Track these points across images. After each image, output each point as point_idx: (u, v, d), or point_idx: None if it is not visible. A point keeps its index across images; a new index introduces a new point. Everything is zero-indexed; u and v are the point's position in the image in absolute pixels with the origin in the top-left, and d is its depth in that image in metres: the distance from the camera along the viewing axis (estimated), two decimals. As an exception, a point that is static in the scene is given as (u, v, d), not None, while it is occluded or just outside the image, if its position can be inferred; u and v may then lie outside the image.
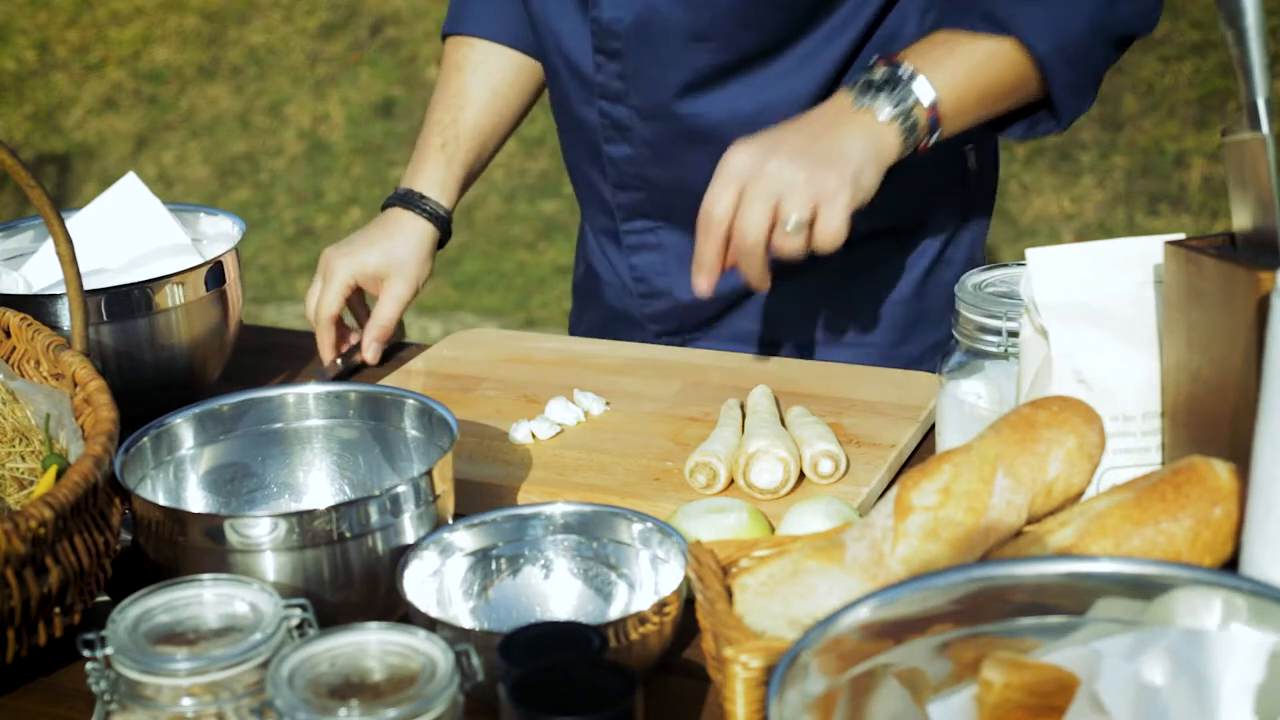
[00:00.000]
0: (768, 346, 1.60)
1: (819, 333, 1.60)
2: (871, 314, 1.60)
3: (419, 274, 1.60)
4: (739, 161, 1.26)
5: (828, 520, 1.11)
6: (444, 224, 1.63)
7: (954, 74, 1.29)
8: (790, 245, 1.25)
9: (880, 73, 1.29)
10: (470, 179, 1.67)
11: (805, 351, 1.60)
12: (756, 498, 1.22)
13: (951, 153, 1.54)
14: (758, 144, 1.27)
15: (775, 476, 1.22)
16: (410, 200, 1.62)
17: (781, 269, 1.52)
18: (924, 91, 1.28)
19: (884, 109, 1.28)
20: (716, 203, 1.26)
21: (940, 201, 1.58)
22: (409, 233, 1.60)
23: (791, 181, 1.24)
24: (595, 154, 1.56)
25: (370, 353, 1.58)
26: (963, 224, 1.60)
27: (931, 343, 1.61)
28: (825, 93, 1.43)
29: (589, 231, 1.69)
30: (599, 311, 1.72)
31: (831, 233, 1.25)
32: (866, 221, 1.51)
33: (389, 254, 1.58)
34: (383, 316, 1.58)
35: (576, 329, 1.78)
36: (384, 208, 1.63)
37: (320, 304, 1.56)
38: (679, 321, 1.63)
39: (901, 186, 1.40)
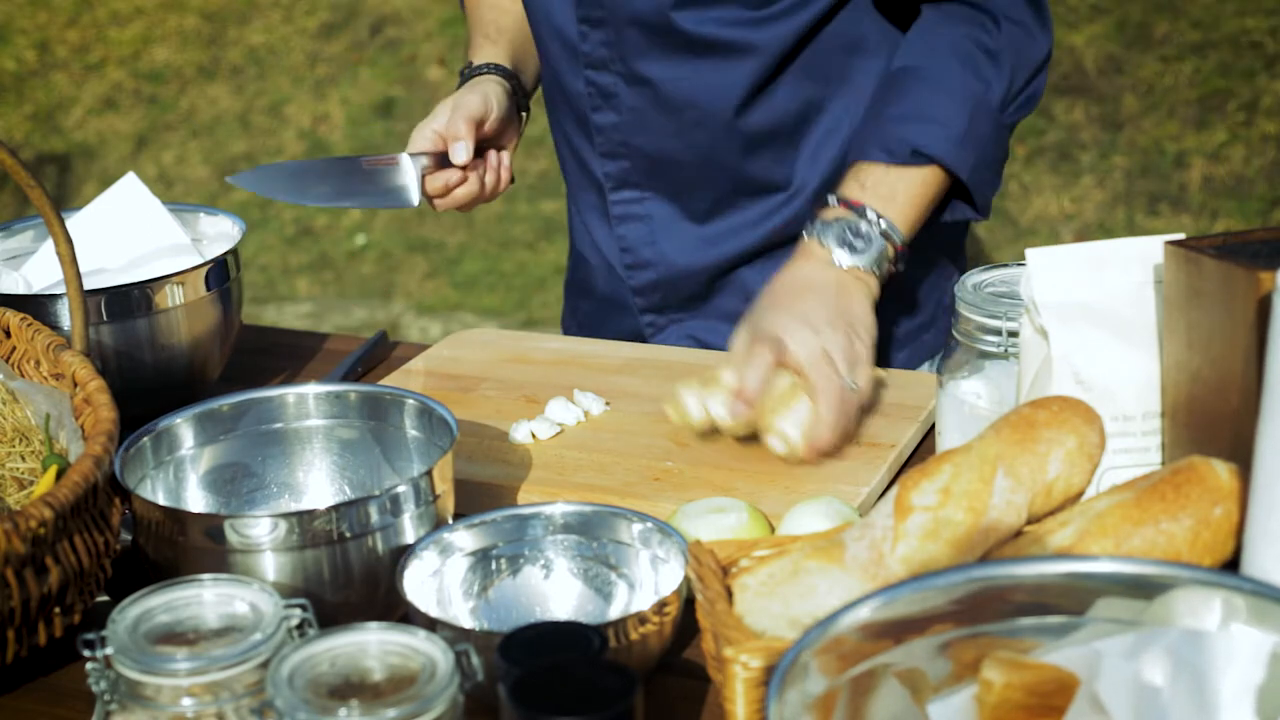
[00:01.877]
0: None
1: None
2: None
3: (491, 90, 1.57)
4: (779, 324, 1.30)
5: (828, 520, 1.11)
6: (508, 73, 1.63)
7: (904, 208, 1.39)
8: (848, 399, 1.29)
9: (845, 222, 1.36)
10: (526, 72, 1.67)
11: None
12: (777, 447, 1.26)
13: None
14: (786, 310, 1.32)
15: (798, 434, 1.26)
16: (473, 72, 1.63)
17: (760, 248, 1.59)
18: (891, 234, 1.37)
19: (863, 262, 1.36)
20: (758, 352, 1.29)
21: None
22: (478, 81, 1.60)
23: (836, 345, 1.30)
24: (584, 124, 1.60)
25: (454, 143, 1.53)
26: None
27: (914, 326, 1.64)
28: (789, 61, 1.50)
29: (577, 214, 1.72)
30: (589, 302, 1.74)
31: (868, 393, 1.33)
32: None
33: (463, 92, 1.57)
34: (464, 111, 1.53)
35: (569, 326, 1.80)
36: (465, 76, 1.65)
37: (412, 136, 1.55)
38: (664, 295, 1.65)
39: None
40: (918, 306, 1.64)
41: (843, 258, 1.36)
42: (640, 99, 1.54)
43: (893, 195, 1.38)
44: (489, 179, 1.58)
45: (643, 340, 1.68)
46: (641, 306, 1.66)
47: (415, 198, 1.53)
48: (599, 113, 1.57)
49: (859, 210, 1.37)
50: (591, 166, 1.62)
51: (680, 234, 1.60)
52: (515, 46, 1.67)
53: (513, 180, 1.63)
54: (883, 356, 1.63)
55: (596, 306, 1.73)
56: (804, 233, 1.39)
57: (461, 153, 1.51)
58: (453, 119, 1.52)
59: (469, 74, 1.63)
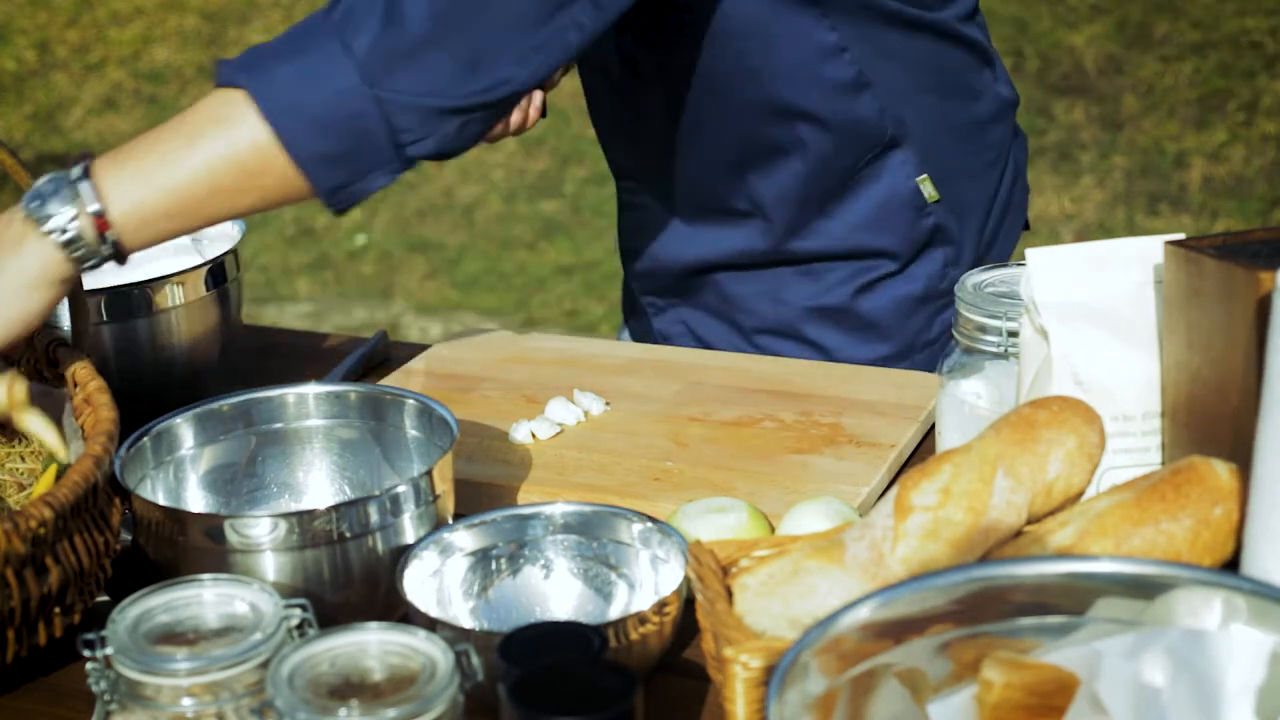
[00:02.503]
0: (732, 327, 1.65)
1: (767, 324, 1.64)
2: (807, 314, 1.62)
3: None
4: None
5: (828, 520, 1.11)
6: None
7: (150, 177, 1.12)
8: None
9: (53, 178, 1.13)
10: None
11: (759, 340, 1.63)
12: None
13: (898, 187, 1.53)
14: None
15: None
16: None
17: (731, 264, 1.59)
18: (89, 197, 1.11)
19: (48, 221, 1.11)
20: None
21: (894, 226, 1.57)
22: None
23: None
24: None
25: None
26: (929, 245, 1.59)
27: (880, 355, 1.61)
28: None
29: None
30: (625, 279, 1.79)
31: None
32: (811, 242, 1.56)
33: None
34: None
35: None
36: None
37: None
38: (653, 281, 1.68)
39: (846, 214, 1.48)
40: (885, 336, 1.60)
41: (29, 206, 1.12)
42: (614, 106, 1.59)
43: (132, 151, 1.13)
44: (515, 116, 1.38)
45: (648, 319, 1.70)
46: (639, 289, 1.70)
47: None
48: (594, 108, 1.62)
49: (74, 165, 1.14)
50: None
51: (667, 227, 1.62)
52: None
53: (544, 114, 1.45)
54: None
55: (621, 292, 1.78)
56: None
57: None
58: None
59: None
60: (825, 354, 1.61)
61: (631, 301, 1.75)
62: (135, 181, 1.12)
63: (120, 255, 1.13)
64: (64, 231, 1.10)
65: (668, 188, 1.59)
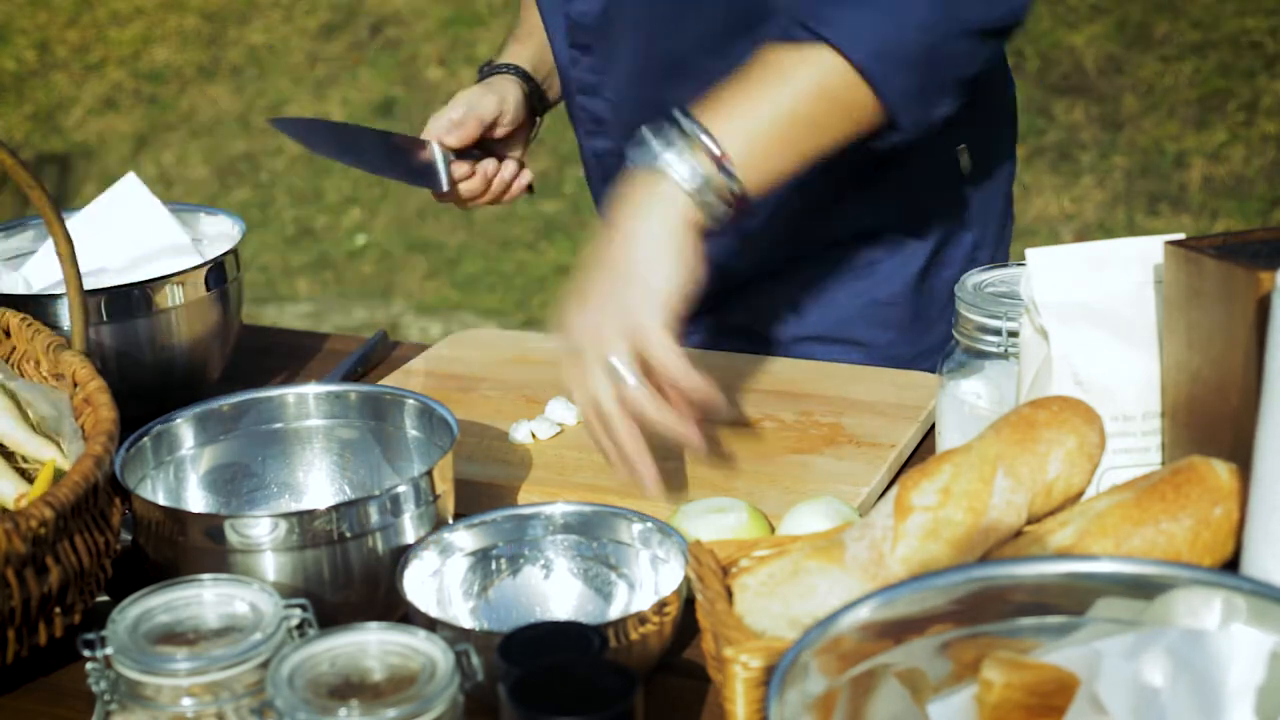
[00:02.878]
0: (759, 342, 1.60)
1: (810, 330, 1.60)
2: (860, 313, 1.60)
3: (508, 91, 1.55)
4: (567, 336, 1.17)
5: (827, 520, 1.11)
6: (525, 75, 1.59)
7: (735, 109, 1.16)
8: (632, 398, 1.12)
9: (662, 131, 1.16)
10: (550, 75, 1.62)
11: (797, 349, 1.60)
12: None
13: (940, 155, 1.53)
14: (574, 304, 1.17)
15: None
16: (489, 70, 1.61)
17: (762, 268, 1.54)
18: (698, 133, 1.14)
19: (651, 155, 1.15)
20: (576, 389, 1.16)
21: (932, 204, 1.57)
22: (494, 80, 1.58)
23: (606, 336, 1.13)
24: (584, 147, 1.59)
25: (452, 136, 1.52)
26: (960, 226, 1.60)
27: (927, 345, 1.60)
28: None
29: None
30: None
31: (667, 364, 1.12)
32: (850, 224, 1.52)
33: (477, 90, 1.55)
34: (480, 109, 1.53)
35: None
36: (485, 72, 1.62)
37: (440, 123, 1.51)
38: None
39: (885, 190, 1.40)
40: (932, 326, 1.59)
41: (633, 156, 1.16)
42: (631, 125, 1.40)
43: (721, 99, 1.16)
44: (496, 183, 1.57)
45: None
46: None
47: (445, 183, 1.54)
48: (593, 138, 1.55)
49: (681, 117, 1.16)
50: (598, 186, 1.60)
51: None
52: (543, 48, 1.62)
53: (531, 189, 1.62)
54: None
55: None
56: None
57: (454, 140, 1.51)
58: (466, 116, 1.52)
59: (488, 71, 1.62)
60: (873, 352, 1.58)
61: None
62: (740, 121, 1.15)
63: (742, 201, 1.15)
64: (694, 176, 1.13)
65: None
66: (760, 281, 1.58)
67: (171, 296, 1.42)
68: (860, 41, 1.16)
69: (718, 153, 1.13)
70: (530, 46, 1.64)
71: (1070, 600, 0.79)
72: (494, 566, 1.11)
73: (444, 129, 1.52)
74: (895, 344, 1.60)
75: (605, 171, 1.55)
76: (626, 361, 1.12)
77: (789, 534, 1.05)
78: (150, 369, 1.43)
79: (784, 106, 1.17)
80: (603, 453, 1.16)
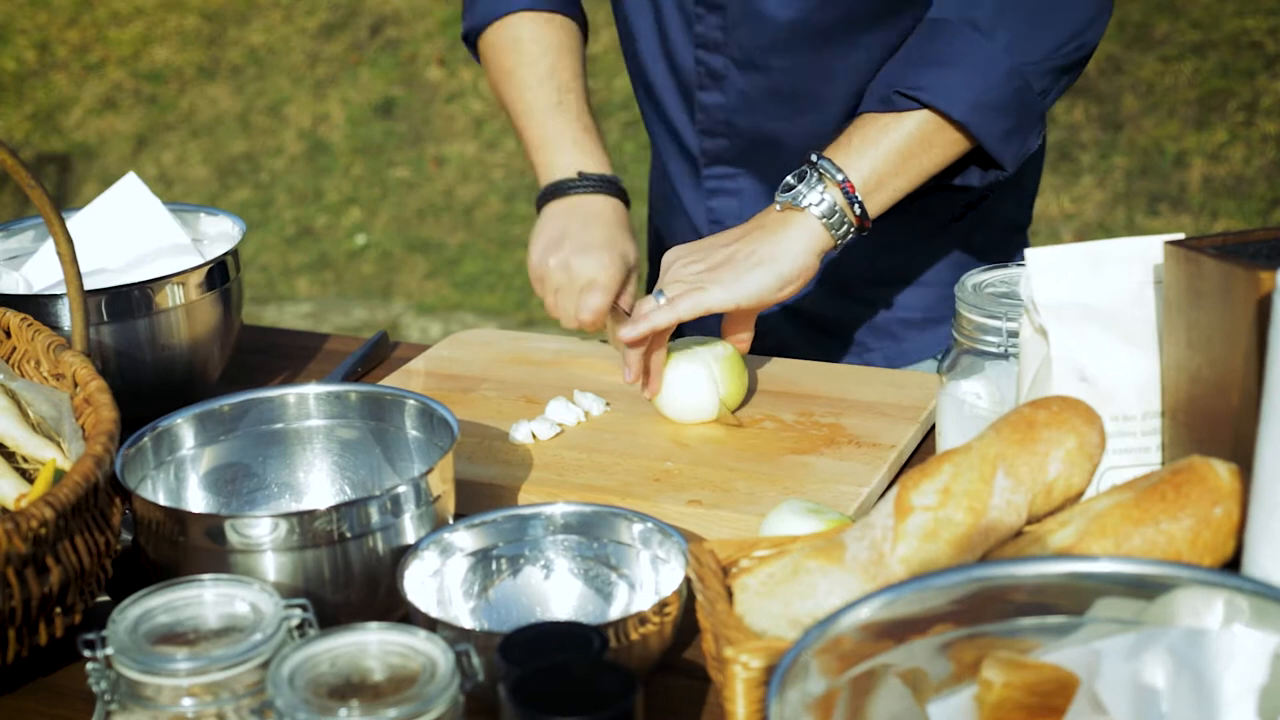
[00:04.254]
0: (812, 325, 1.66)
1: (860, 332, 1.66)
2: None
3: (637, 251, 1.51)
4: (665, 262, 1.39)
5: (802, 520, 1.11)
6: (618, 184, 1.53)
7: (868, 153, 1.34)
8: (647, 308, 1.35)
9: (796, 172, 1.36)
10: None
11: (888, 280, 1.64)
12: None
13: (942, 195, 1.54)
14: (684, 247, 1.39)
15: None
16: (599, 185, 1.49)
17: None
18: (832, 172, 1.34)
19: (800, 199, 1.34)
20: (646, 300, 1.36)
21: (935, 236, 1.60)
22: (626, 217, 1.50)
23: (683, 276, 1.35)
24: (687, 98, 1.60)
25: (633, 333, 1.40)
26: (966, 254, 1.65)
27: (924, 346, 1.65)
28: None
29: (662, 181, 1.71)
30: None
31: (673, 305, 1.33)
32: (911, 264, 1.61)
33: (635, 246, 1.47)
34: (632, 289, 1.46)
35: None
36: (553, 194, 1.49)
37: (598, 308, 1.42)
38: None
39: (886, 230, 1.44)
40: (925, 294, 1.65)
41: (781, 197, 1.36)
42: (750, 83, 1.53)
43: (848, 140, 1.35)
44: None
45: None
46: None
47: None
48: (705, 91, 1.57)
49: (815, 159, 1.36)
50: (686, 140, 1.63)
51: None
52: (584, 102, 1.56)
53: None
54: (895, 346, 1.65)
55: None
56: None
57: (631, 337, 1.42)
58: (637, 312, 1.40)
59: (594, 185, 1.48)
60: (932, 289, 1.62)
61: None
62: (861, 153, 1.35)
63: (862, 223, 1.35)
64: (821, 203, 1.33)
65: (783, 163, 1.51)
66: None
67: (171, 296, 1.42)
68: (957, 100, 1.34)
69: (840, 178, 1.33)
70: (585, 118, 1.54)
71: (1070, 600, 0.79)
72: (494, 567, 1.11)
73: (633, 334, 1.38)
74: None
75: (711, 125, 1.59)
76: (670, 291, 1.35)
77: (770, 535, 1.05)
78: (150, 369, 1.43)
79: (897, 147, 1.35)
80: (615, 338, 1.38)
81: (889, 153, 1.35)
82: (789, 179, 1.36)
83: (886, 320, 1.64)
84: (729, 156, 1.61)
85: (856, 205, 1.34)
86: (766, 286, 1.34)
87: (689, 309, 1.33)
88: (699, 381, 1.36)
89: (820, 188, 1.34)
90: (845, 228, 1.35)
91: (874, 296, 1.64)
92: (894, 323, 1.64)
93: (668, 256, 1.40)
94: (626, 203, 1.50)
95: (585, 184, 1.48)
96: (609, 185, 1.49)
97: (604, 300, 1.40)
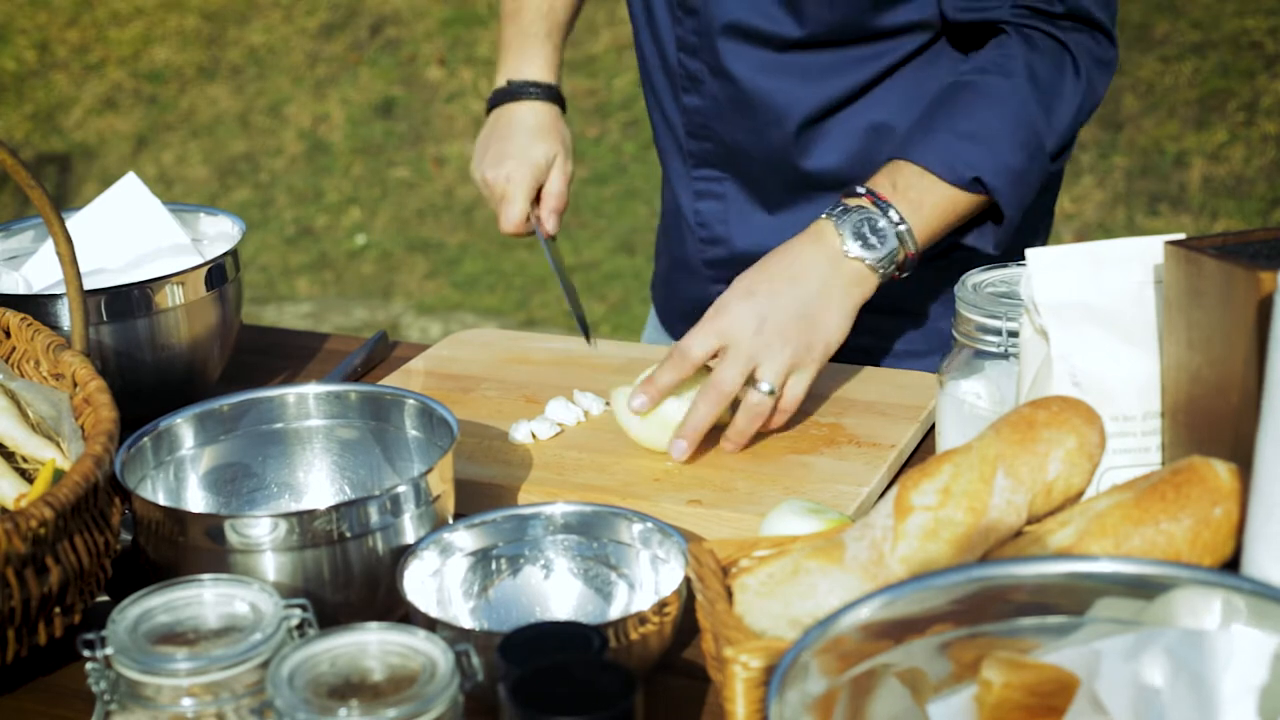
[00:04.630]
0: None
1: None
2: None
3: (569, 144, 1.65)
4: (732, 320, 1.32)
5: (802, 520, 1.11)
6: (561, 99, 1.68)
7: (929, 218, 1.36)
8: (757, 407, 1.31)
9: (867, 216, 1.34)
10: (560, 49, 1.73)
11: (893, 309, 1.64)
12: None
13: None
14: (751, 305, 1.32)
15: None
16: (531, 92, 1.65)
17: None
18: (907, 240, 1.35)
19: (872, 258, 1.34)
20: (697, 345, 1.31)
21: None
22: (549, 119, 1.64)
23: (774, 354, 1.31)
24: (676, 97, 1.63)
25: (551, 224, 1.60)
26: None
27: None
28: (859, 94, 1.51)
29: (667, 174, 1.74)
30: (664, 260, 1.78)
31: (793, 401, 1.33)
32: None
33: (548, 147, 1.61)
34: (557, 189, 1.61)
35: (653, 283, 1.85)
36: (497, 103, 1.65)
37: (514, 218, 1.59)
38: (733, 271, 1.65)
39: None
40: (926, 322, 1.64)
41: (854, 248, 1.33)
42: (721, 90, 1.56)
43: (920, 203, 1.35)
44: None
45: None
46: (711, 277, 1.68)
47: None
48: (687, 94, 1.60)
49: (883, 206, 1.35)
50: (680, 138, 1.65)
51: (751, 218, 1.63)
52: (559, 40, 1.69)
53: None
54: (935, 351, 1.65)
55: (670, 264, 1.76)
56: (824, 214, 1.37)
57: (552, 225, 1.60)
58: (559, 196, 1.60)
59: (526, 91, 1.64)
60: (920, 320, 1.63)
61: (683, 291, 1.72)
62: (928, 224, 1.36)
63: (907, 266, 1.37)
64: (890, 268, 1.35)
65: (758, 175, 1.59)
66: None
67: (171, 296, 1.42)
68: (1004, 187, 1.37)
69: (914, 248, 1.35)
70: (553, 39, 1.67)
71: (1070, 600, 0.79)
72: (494, 566, 1.11)
73: (554, 225, 1.60)
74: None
75: (694, 128, 1.61)
76: (774, 377, 1.30)
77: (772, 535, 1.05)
78: (150, 369, 1.43)
79: (951, 219, 1.38)
80: (648, 391, 1.32)
81: (948, 222, 1.38)
82: (859, 226, 1.34)
83: (871, 350, 1.63)
84: (714, 160, 1.62)
85: (909, 270, 1.37)
86: (842, 337, 1.35)
87: (802, 398, 1.33)
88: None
89: (894, 250, 1.34)
90: (887, 281, 1.37)
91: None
92: (878, 353, 1.64)
93: (734, 320, 1.32)
94: (555, 101, 1.63)
95: (510, 92, 1.64)
96: (531, 89, 1.62)
97: (513, 210, 1.55)
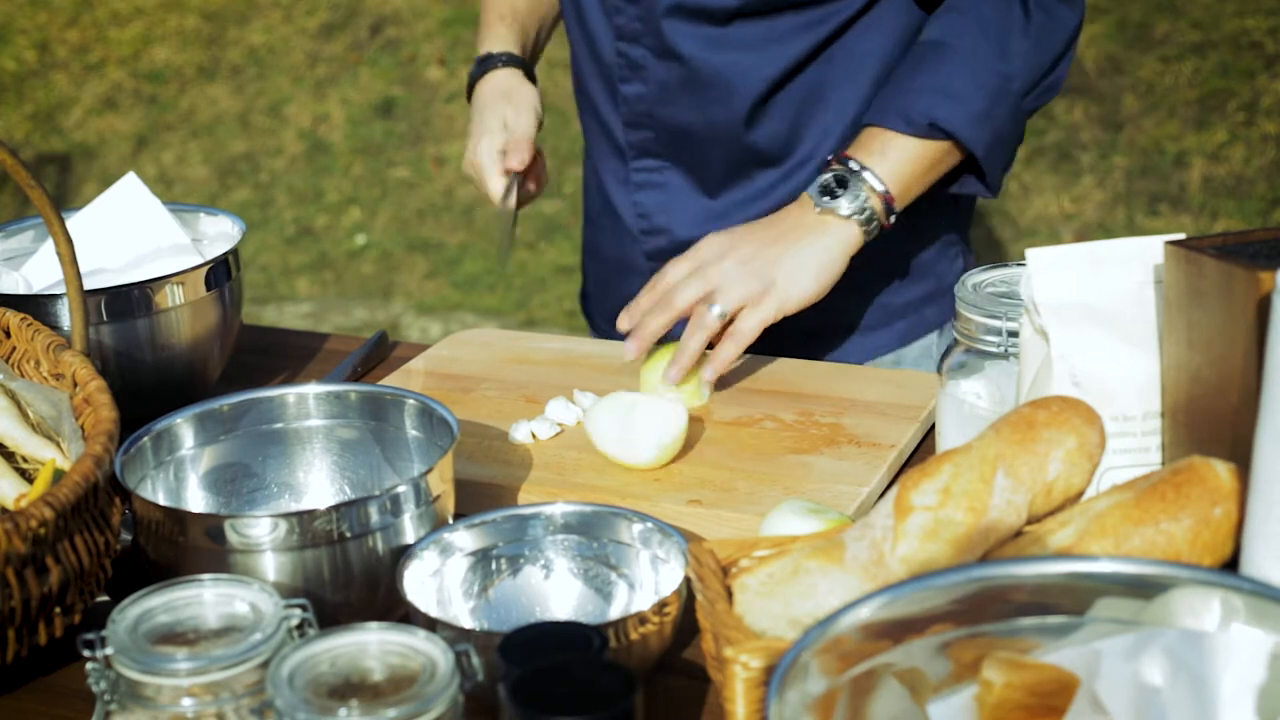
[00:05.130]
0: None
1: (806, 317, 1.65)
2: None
3: (534, 101, 1.65)
4: (705, 248, 1.42)
5: (795, 517, 1.11)
6: (523, 64, 1.71)
7: (899, 166, 1.43)
8: (707, 324, 1.38)
9: (833, 173, 1.43)
10: (536, 45, 1.77)
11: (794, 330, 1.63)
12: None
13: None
14: (726, 237, 1.43)
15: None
16: (490, 63, 1.69)
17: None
18: (872, 182, 1.42)
19: (842, 206, 1.41)
20: (672, 271, 1.42)
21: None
22: (503, 84, 1.66)
23: (732, 281, 1.39)
24: (612, 91, 1.64)
25: (514, 160, 1.59)
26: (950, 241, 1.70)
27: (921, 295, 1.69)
28: (806, 62, 1.55)
29: (593, 176, 1.75)
30: (596, 263, 1.80)
31: (743, 334, 1.39)
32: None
33: (500, 111, 1.63)
34: (518, 135, 1.61)
35: (585, 288, 1.86)
36: (470, 87, 1.69)
37: (494, 190, 1.60)
38: None
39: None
40: (918, 277, 1.67)
41: (823, 202, 1.42)
42: (668, 73, 1.58)
43: (884, 153, 1.43)
44: (531, 182, 1.66)
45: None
46: (653, 269, 1.67)
47: (514, 204, 1.61)
48: (626, 83, 1.61)
49: (844, 160, 1.43)
50: (615, 133, 1.66)
51: (692, 205, 1.64)
52: (523, 22, 1.72)
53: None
54: (882, 326, 1.66)
55: (603, 267, 1.78)
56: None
57: (518, 164, 1.59)
58: (516, 140, 1.59)
59: (487, 64, 1.68)
60: (866, 298, 1.64)
61: (624, 289, 1.71)
62: (897, 167, 1.43)
63: (888, 220, 1.44)
64: (864, 212, 1.41)
65: (703, 156, 1.61)
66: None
67: (171, 296, 1.42)
68: (979, 138, 1.44)
69: (882, 190, 1.42)
70: (516, 25, 1.71)
71: (1070, 600, 0.79)
72: (494, 566, 1.11)
73: (517, 161, 1.59)
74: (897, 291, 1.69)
75: (635, 118, 1.63)
76: (727, 304, 1.38)
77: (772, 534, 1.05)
78: (150, 369, 1.43)
79: (924, 165, 1.45)
80: (629, 315, 1.43)
81: (918, 169, 1.45)
82: (826, 181, 1.43)
83: (820, 326, 1.64)
84: (654, 149, 1.64)
85: (892, 215, 1.43)
86: (810, 294, 1.41)
87: (753, 332, 1.39)
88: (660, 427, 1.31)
89: (863, 196, 1.41)
90: (875, 231, 1.43)
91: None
92: (826, 328, 1.66)
93: (707, 247, 1.42)
94: (511, 66, 1.66)
95: (471, 77, 1.68)
96: (485, 63, 1.67)
97: (491, 183, 1.58)
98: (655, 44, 1.56)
